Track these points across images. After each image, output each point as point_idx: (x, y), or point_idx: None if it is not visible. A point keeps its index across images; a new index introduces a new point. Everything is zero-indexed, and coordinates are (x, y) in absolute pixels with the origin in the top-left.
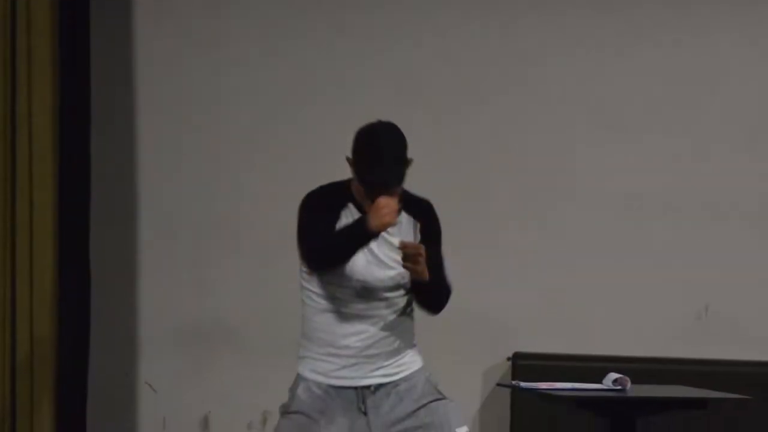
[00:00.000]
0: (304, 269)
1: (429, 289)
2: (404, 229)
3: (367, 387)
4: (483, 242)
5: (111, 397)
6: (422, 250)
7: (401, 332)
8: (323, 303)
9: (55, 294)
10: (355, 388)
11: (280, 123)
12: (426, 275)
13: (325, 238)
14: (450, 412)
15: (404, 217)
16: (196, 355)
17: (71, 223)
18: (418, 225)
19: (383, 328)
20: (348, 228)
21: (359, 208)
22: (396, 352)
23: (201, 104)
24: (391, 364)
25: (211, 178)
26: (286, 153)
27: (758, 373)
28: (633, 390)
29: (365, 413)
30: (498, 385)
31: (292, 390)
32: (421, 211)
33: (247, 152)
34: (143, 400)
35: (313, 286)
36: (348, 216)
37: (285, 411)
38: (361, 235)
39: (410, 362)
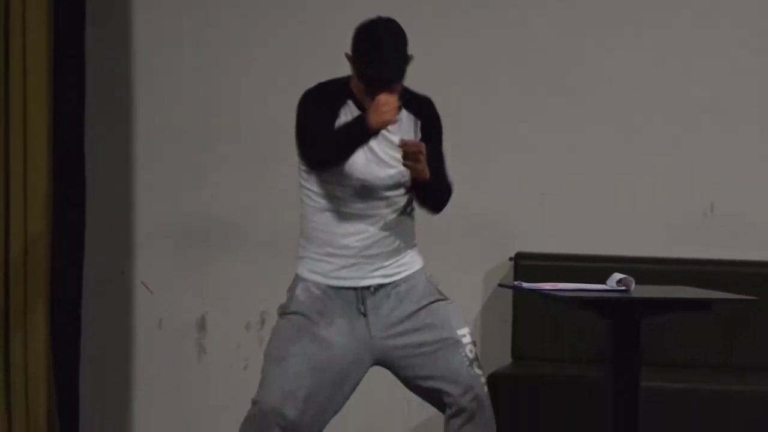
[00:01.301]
0: (303, 168)
1: (429, 188)
2: (404, 127)
3: (367, 288)
4: (484, 141)
5: (106, 297)
6: (423, 148)
7: (401, 232)
8: (322, 202)
9: (49, 192)
10: (355, 288)
11: (279, 20)
12: (426, 174)
13: (323, 137)
14: (451, 313)
15: (404, 115)
16: (193, 256)
17: (66, 118)
18: (419, 123)
19: (383, 228)
20: (347, 126)
21: (359, 105)
22: (396, 253)
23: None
24: (391, 264)
25: (208, 78)
26: (286, 50)
27: (765, 273)
28: (637, 290)
29: (365, 314)
30: (500, 285)
31: (291, 291)
32: (422, 109)
33: (246, 48)
34: (139, 301)
35: (311, 185)
36: (347, 114)
37: (283, 312)
38: (361, 133)
39: (410, 262)
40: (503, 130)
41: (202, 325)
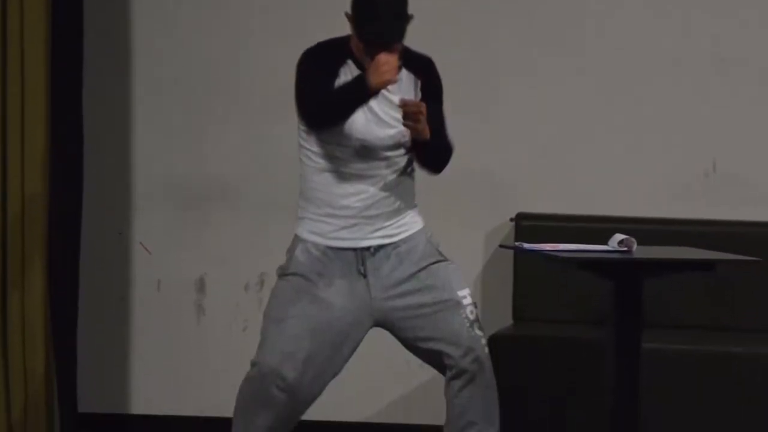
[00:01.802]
0: (303, 128)
1: (430, 148)
2: (404, 87)
3: (367, 248)
4: (485, 101)
5: (104, 257)
6: (423, 108)
7: (401, 192)
8: (322, 162)
9: (46, 151)
10: (355, 249)
11: None
12: (427, 134)
13: (323, 96)
14: (451, 274)
15: (404, 75)
16: (192, 216)
17: (64, 77)
18: (419, 82)
19: (383, 189)
20: (347, 85)
21: (358, 65)
22: (396, 213)
23: None
24: (390, 225)
25: (207, 38)
26: (286, 9)
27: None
28: (639, 251)
29: (364, 275)
30: (500, 246)
31: (290, 251)
32: (422, 69)
33: (246, 6)
34: (137, 262)
35: (311, 145)
36: (347, 73)
37: (283, 273)
38: (361, 92)
39: (410, 223)
40: (504, 90)
41: (201, 286)
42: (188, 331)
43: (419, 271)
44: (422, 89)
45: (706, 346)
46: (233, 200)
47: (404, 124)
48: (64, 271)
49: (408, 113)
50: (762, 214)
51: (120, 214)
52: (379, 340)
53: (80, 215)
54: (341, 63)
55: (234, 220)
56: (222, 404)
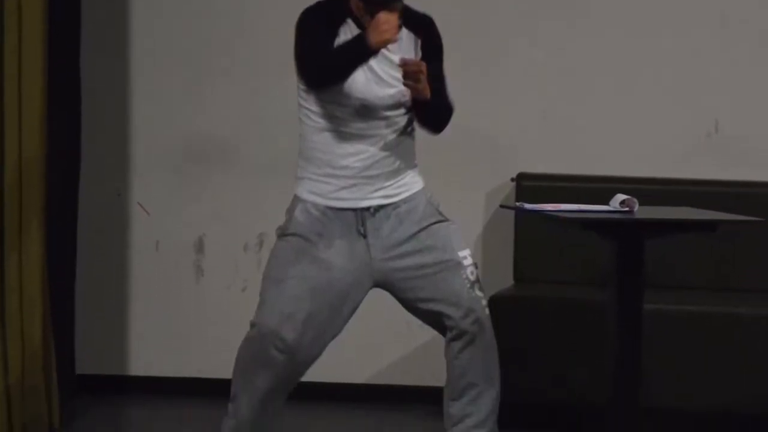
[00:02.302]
0: (302, 87)
1: (430, 107)
2: (405, 46)
3: (367, 209)
4: (486, 60)
5: (102, 218)
6: (423, 67)
7: (401, 152)
8: (322, 122)
9: (44, 112)
10: (354, 209)
11: None
12: (427, 93)
13: (323, 55)
14: (452, 234)
15: (405, 34)
16: (191, 176)
17: (61, 36)
18: (419, 42)
19: (383, 148)
20: (347, 44)
21: (358, 24)
22: (396, 173)
23: None
24: (391, 185)
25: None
26: None
27: None
28: (641, 212)
29: (364, 236)
30: (501, 206)
31: (290, 212)
32: (422, 28)
33: None
34: (135, 222)
35: (311, 104)
36: (346, 32)
37: (282, 233)
38: (361, 51)
39: (411, 183)
40: (506, 50)
41: (200, 246)
42: (187, 292)
43: (419, 231)
44: (422, 48)
45: (709, 306)
46: (232, 161)
47: (404, 84)
48: (63, 234)
49: (408, 72)
50: (765, 174)
51: (119, 175)
52: (379, 302)
53: (78, 177)
54: (341, 22)
55: (233, 181)
56: (221, 365)
